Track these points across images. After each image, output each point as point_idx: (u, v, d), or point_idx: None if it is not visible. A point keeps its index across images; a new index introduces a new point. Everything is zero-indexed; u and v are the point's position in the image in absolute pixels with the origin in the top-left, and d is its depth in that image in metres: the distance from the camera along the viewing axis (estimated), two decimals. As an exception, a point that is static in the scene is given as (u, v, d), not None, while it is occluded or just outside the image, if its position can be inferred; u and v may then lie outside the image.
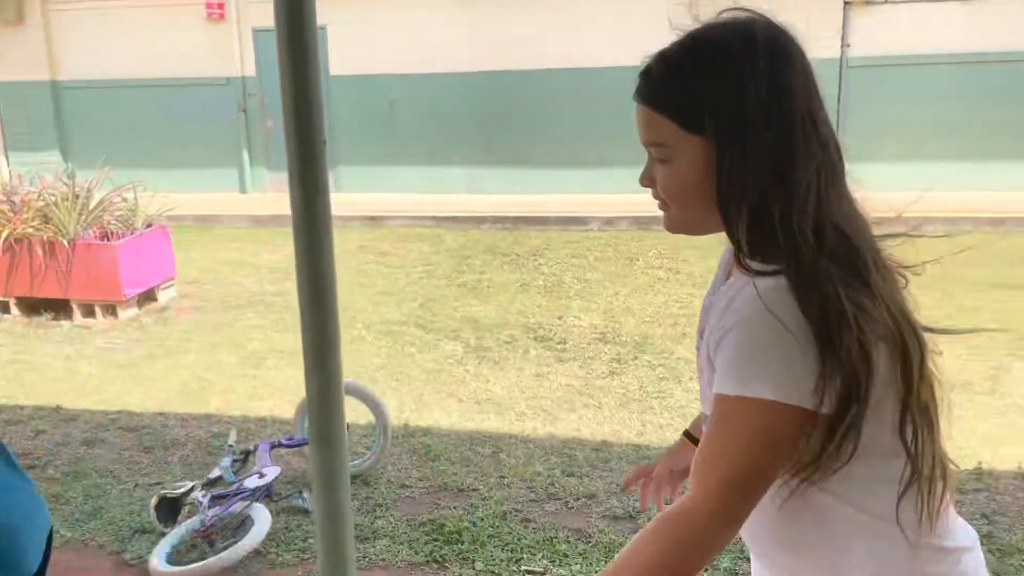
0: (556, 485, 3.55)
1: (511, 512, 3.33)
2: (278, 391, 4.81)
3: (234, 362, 5.34)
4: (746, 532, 1.16)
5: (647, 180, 1.14)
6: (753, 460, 1.01)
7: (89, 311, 6.32)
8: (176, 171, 11.18)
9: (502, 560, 3.02)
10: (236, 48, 11.48)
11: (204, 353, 5.52)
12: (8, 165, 12.11)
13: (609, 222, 9.35)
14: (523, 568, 2.98)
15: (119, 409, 4.59)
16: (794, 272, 0.99)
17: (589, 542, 3.12)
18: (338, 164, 11.06)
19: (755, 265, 1.03)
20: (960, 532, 1.16)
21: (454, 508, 3.39)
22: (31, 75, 12.09)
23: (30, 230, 6.22)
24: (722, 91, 1.02)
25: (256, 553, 3.12)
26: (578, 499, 3.40)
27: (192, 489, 3.32)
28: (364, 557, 3.08)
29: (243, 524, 3.25)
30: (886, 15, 9.86)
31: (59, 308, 6.38)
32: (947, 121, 9.83)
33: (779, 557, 1.18)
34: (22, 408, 4.63)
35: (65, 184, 6.58)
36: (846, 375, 0.98)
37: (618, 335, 5.59)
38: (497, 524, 3.24)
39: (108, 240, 6.34)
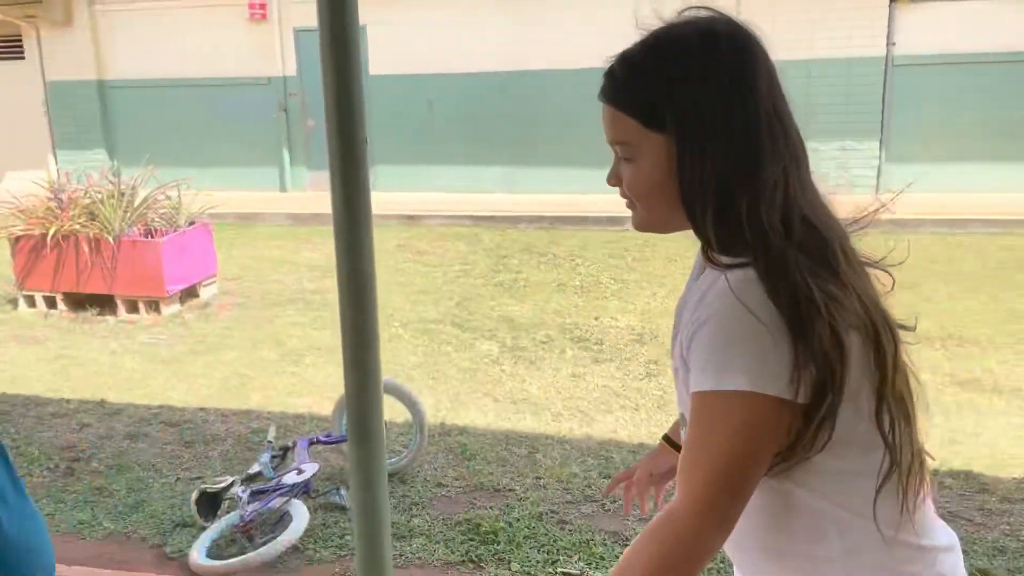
0: (593, 487, 3.53)
1: (547, 513, 3.32)
2: (316, 388, 4.86)
3: (274, 359, 5.40)
4: (728, 542, 1.14)
5: (614, 179, 1.14)
6: (736, 455, 1.00)
7: (133, 307, 6.44)
8: (218, 169, 11.36)
9: (538, 562, 3.01)
10: (277, 48, 11.62)
11: (245, 349, 5.59)
12: (56, 163, 12.40)
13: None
14: (559, 570, 2.97)
15: (161, 404, 4.67)
16: (763, 263, 1.00)
17: (626, 545, 3.10)
18: (376, 163, 11.13)
19: (724, 259, 1.04)
20: (938, 532, 1.15)
21: (490, 508, 3.38)
22: (79, 75, 12.36)
23: (77, 227, 6.35)
24: (682, 89, 1.03)
25: (294, 549, 3.15)
26: (615, 501, 3.38)
27: (232, 484, 3.36)
28: (400, 555, 3.09)
29: (282, 520, 3.28)
30: (932, 13, 9.65)
31: (104, 304, 6.50)
32: (994, 121, 9.60)
33: (763, 564, 1.17)
34: (68, 402, 4.73)
35: (111, 182, 6.71)
36: (820, 364, 0.98)
37: (655, 337, 5.54)
38: (533, 525, 3.23)
39: (152, 237, 6.45)
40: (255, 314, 6.41)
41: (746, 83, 1.03)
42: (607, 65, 1.11)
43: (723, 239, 1.04)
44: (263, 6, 11.50)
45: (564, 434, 4.11)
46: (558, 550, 3.07)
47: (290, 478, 3.38)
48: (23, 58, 12.78)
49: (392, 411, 3.75)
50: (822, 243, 1.03)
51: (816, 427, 1.02)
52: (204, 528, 3.28)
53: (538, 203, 10.17)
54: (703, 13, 1.08)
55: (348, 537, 3.23)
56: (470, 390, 4.76)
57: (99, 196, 6.54)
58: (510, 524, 3.24)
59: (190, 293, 6.72)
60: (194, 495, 3.35)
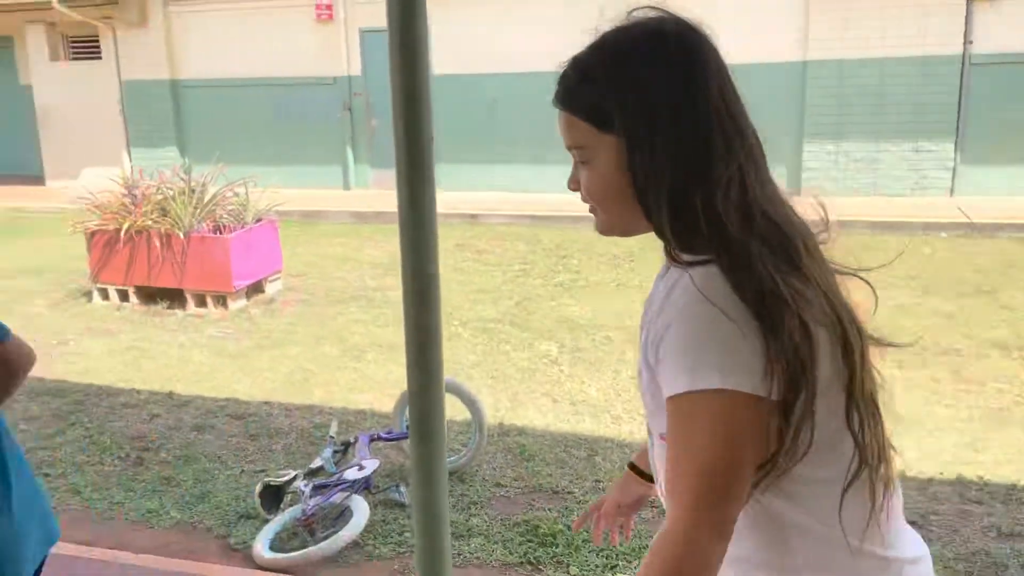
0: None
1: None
2: (378, 384, 4.90)
3: (336, 354, 5.47)
4: None
5: (574, 183, 1.14)
6: (719, 457, 0.97)
7: (201, 301, 6.60)
8: (284, 167, 11.58)
9: (597, 566, 2.99)
10: (343, 48, 11.79)
11: (308, 345, 5.68)
12: (130, 160, 12.80)
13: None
14: None
15: (228, 397, 4.78)
16: (726, 258, 0.99)
17: (686, 552, 3.05)
18: (439, 162, 11.20)
19: (687, 257, 1.03)
20: (906, 542, 1.14)
21: (549, 510, 3.37)
22: (153, 75, 12.74)
23: (149, 223, 6.54)
24: (630, 90, 1.03)
25: (354, 544, 3.18)
26: (675, 507, 3.33)
27: (295, 478, 3.41)
28: (459, 555, 3.10)
29: (342, 515, 3.32)
30: (1012, 11, 9.28)
31: (174, 297, 6.68)
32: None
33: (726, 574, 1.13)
34: (139, 392, 4.87)
35: (182, 179, 6.89)
36: (792, 357, 0.96)
37: (718, 340, 5.45)
38: (592, 529, 3.19)
39: (220, 233, 6.61)
40: (318, 310, 6.51)
41: (695, 83, 1.03)
42: (560, 70, 1.12)
43: (682, 237, 1.03)
44: (329, 7, 11.68)
45: (624, 437, 4.07)
46: (617, 555, 3.04)
47: (351, 474, 3.42)
48: (100, 58, 13.23)
49: (452, 409, 3.76)
50: (784, 239, 1.02)
51: (796, 426, 0.99)
52: (267, 521, 3.34)
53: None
54: (652, 13, 1.08)
55: (407, 534, 3.25)
56: (529, 390, 4.75)
57: (171, 193, 6.73)
58: (569, 527, 3.22)
59: (256, 289, 6.86)
60: (258, 488, 3.41)
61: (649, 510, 3.10)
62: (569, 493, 3.50)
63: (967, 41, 9.45)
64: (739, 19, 9.98)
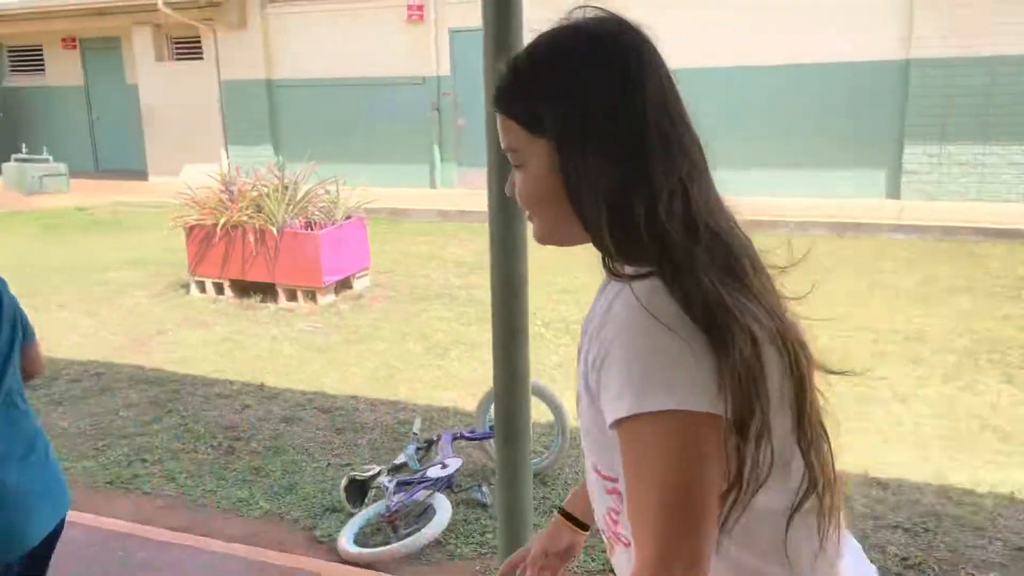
0: (741, 504, 3.38)
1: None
2: (461, 383, 4.92)
3: (420, 351, 5.52)
4: None
5: (510, 188, 1.08)
6: (679, 485, 0.89)
7: (292, 295, 6.77)
8: (373, 166, 11.79)
9: None
10: (432, 49, 11.92)
11: (394, 341, 5.75)
12: (228, 157, 13.26)
13: (801, 227, 8.88)
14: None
15: (316, 390, 4.87)
16: (669, 270, 0.93)
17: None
18: (524, 162, 11.21)
19: (628, 270, 0.97)
20: (857, 572, 1.08)
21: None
22: (250, 75, 13.17)
23: (244, 218, 6.74)
24: (561, 92, 0.98)
25: (436, 543, 3.19)
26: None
27: (379, 473, 3.45)
28: (540, 558, 3.06)
29: (425, 512, 3.33)
30: None
31: (266, 291, 6.87)
32: None
33: None
34: (231, 383, 5.02)
35: (276, 176, 7.09)
36: (744, 374, 0.90)
37: (812, 348, 5.26)
38: None
39: (312, 230, 6.76)
40: (404, 307, 6.59)
41: (631, 86, 0.97)
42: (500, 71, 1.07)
43: (624, 248, 0.98)
44: (420, 8, 11.83)
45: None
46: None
47: (434, 472, 3.43)
48: (201, 58, 13.75)
49: (535, 411, 3.72)
50: (728, 252, 0.97)
51: (756, 444, 0.92)
52: (352, 515, 3.38)
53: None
54: (591, 13, 1.02)
55: (489, 535, 3.24)
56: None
57: (265, 190, 6.92)
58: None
59: (344, 284, 6.99)
60: (343, 482, 3.45)
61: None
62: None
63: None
64: (839, 16, 9.67)
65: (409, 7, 11.81)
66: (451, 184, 12.09)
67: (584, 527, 1.36)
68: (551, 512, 3.38)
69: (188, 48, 14.05)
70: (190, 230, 6.97)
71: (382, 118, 12.29)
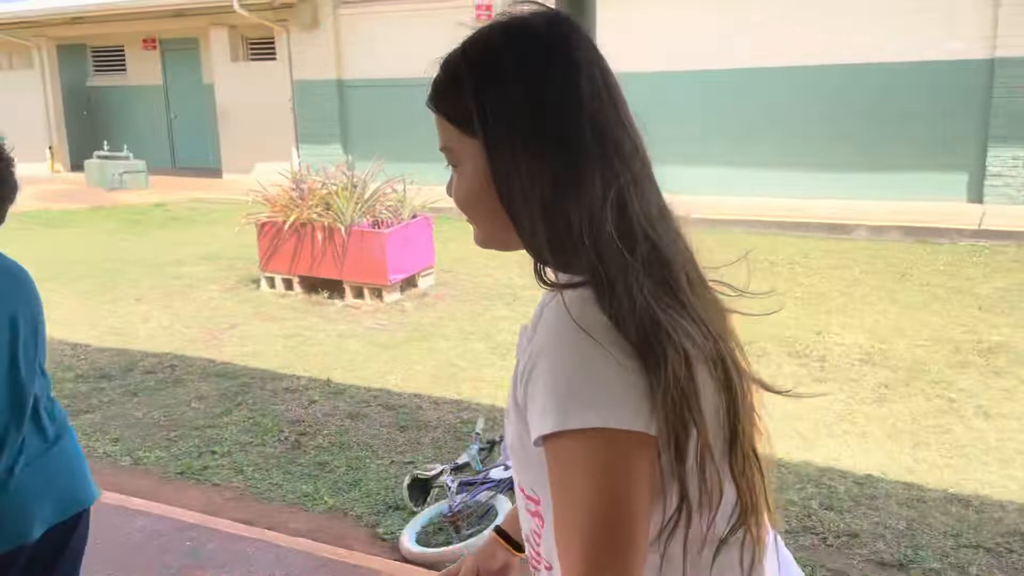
0: (813, 518, 3.27)
1: (761, 540, 3.11)
2: (524, 384, 4.89)
3: (484, 351, 5.52)
4: None
5: (449, 189, 1.03)
6: (607, 508, 0.84)
7: (359, 293, 6.85)
8: (439, 165, 11.80)
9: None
10: (500, 48, 11.93)
11: (457, 340, 5.77)
12: (298, 156, 13.51)
13: (877, 231, 8.62)
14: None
15: (380, 387, 4.91)
16: (602, 282, 0.88)
17: (849, 586, 2.84)
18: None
19: (562, 278, 0.93)
20: None
21: (699, 527, 3.23)
22: (321, 75, 13.39)
23: (314, 216, 6.85)
24: (489, 91, 0.94)
25: (498, 545, 3.16)
26: (838, 536, 3.11)
27: (441, 473, 3.44)
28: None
29: (487, 513, 3.32)
30: None
31: (334, 288, 6.97)
32: None
33: None
34: (299, 378, 5.10)
35: (345, 175, 7.18)
36: (676, 392, 0.85)
37: (886, 358, 5.09)
38: None
39: (379, 228, 6.83)
40: (467, 306, 6.61)
41: (561, 85, 0.93)
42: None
43: (556, 255, 0.93)
44: (489, 7, 11.84)
45: (780, 456, 3.85)
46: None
47: (497, 473, 3.41)
48: (275, 59, 14.05)
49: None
50: (665, 264, 0.91)
51: (699, 465, 0.87)
52: (414, 513, 3.38)
53: (754, 207, 9.73)
54: (527, 8, 0.98)
55: (551, 539, 3.20)
56: (679, 399, 4.59)
57: (334, 188, 7.02)
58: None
59: (409, 282, 7.04)
60: (406, 480, 3.46)
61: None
62: (720, 511, 3.34)
63: None
64: (919, 14, 9.34)
65: (478, 7, 11.85)
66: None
67: (519, 548, 1.28)
68: (615, 518, 3.33)
69: (262, 48, 14.37)
70: (261, 227, 7.11)
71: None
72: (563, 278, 0.94)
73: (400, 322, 6.28)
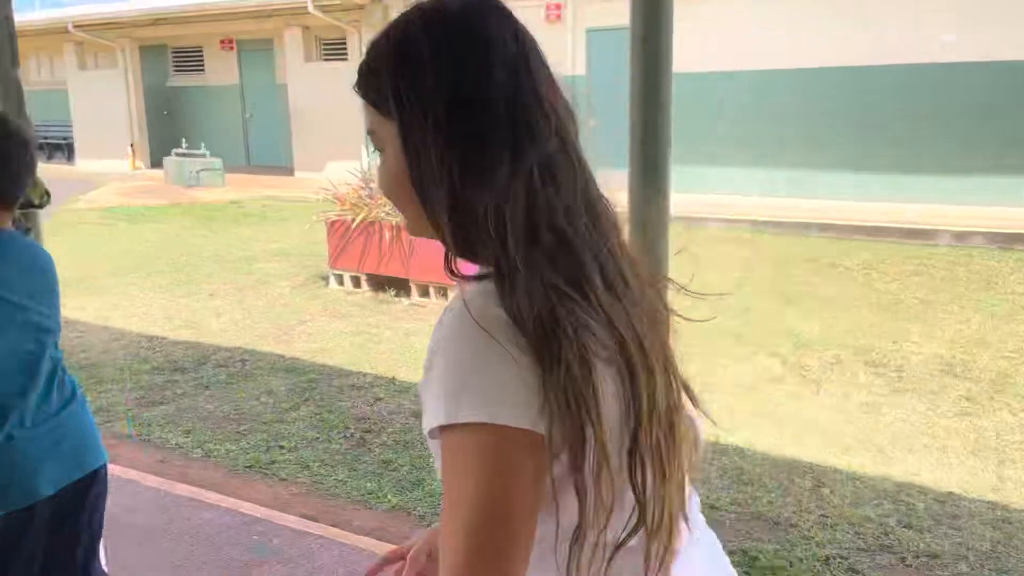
0: (890, 536, 3.14)
1: (835, 558, 3.00)
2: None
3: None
4: None
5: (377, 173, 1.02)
6: (488, 508, 0.81)
7: (424, 291, 6.89)
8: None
9: (821, 610, 2.73)
10: (569, 48, 11.87)
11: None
12: (368, 155, 13.69)
13: (960, 237, 8.28)
14: (846, 624, 2.67)
15: (444, 387, 4.91)
16: (504, 276, 0.86)
17: (928, 609, 2.72)
18: (658, 162, 11.00)
19: (465, 271, 0.91)
20: None
21: (769, 542, 3.13)
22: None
23: (382, 215, 6.91)
24: (403, 71, 0.92)
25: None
26: (917, 556, 2.98)
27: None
28: (668, 576, 2.95)
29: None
30: None
31: (400, 286, 7.03)
32: None
33: None
34: (365, 375, 5.14)
35: (413, 174, 7.22)
36: (571, 393, 0.81)
37: (969, 369, 4.87)
38: (819, 569, 2.93)
39: (445, 227, 6.84)
40: (533, 307, 6.57)
41: (474, 70, 0.90)
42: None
43: (463, 245, 0.91)
44: (559, 7, 11.82)
45: (855, 469, 3.72)
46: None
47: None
48: (347, 59, 14.27)
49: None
50: (575, 263, 0.87)
51: (596, 473, 0.83)
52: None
53: (829, 209, 9.46)
54: None
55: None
56: (747, 408, 4.48)
57: (402, 186, 7.06)
58: (791, 564, 2.97)
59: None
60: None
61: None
62: (793, 526, 3.24)
63: None
64: (1004, 11, 8.95)
65: (548, 6, 11.82)
66: (583, 184, 12.01)
67: None
68: (681, 529, 3.25)
69: (335, 49, 14.62)
70: (331, 225, 7.21)
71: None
72: (479, 269, 0.92)
73: (465, 322, 6.28)
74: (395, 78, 0.94)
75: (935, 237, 8.37)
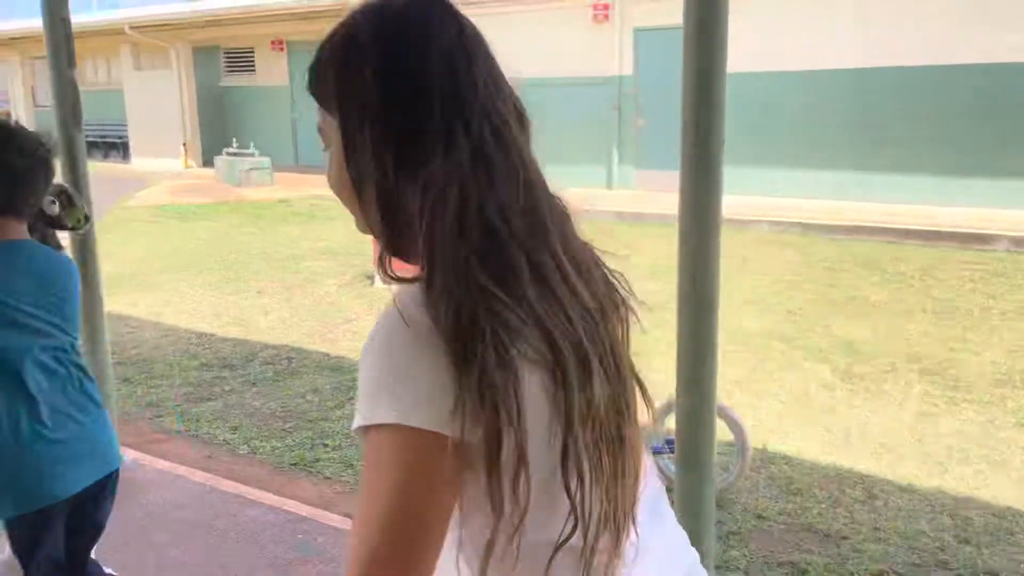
0: (946, 551, 3.04)
1: (889, 573, 2.91)
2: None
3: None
4: None
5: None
6: (395, 509, 0.80)
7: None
8: (550, 166, 11.81)
9: (874, 627, 2.65)
10: (616, 48, 11.80)
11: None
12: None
13: (1019, 242, 8.03)
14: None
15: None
16: (429, 273, 0.85)
17: (987, 630, 2.62)
18: (706, 164, 10.88)
19: (397, 271, 0.89)
20: None
21: (819, 555, 3.05)
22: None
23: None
24: (346, 73, 0.91)
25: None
26: (975, 574, 2.88)
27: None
28: (714, 587, 2.90)
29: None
30: None
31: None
32: None
33: None
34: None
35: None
36: (488, 396, 0.80)
37: (1030, 380, 4.71)
38: None
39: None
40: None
41: (413, 66, 0.89)
42: None
43: (396, 246, 0.90)
44: (606, 7, 11.75)
45: (910, 481, 3.61)
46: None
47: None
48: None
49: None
50: (506, 261, 0.85)
51: (513, 477, 0.81)
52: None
53: (882, 213, 9.25)
54: None
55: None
56: (797, 416, 4.39)
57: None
58: (843, 577, 2.89)
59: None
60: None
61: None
62: (844, 538, 3.15)
63: None
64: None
65: (595, 6, 11.77)
66: (628, 185, 11.93)
67: None
68: (727, 539, 3.20)
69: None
70: (376, 224, 7.25)
71: (562, 117, 12.32)
72: (401, 272, 0.91)
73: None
74: (337, 73, 0.94)
75: (992, 242, 8.12)
